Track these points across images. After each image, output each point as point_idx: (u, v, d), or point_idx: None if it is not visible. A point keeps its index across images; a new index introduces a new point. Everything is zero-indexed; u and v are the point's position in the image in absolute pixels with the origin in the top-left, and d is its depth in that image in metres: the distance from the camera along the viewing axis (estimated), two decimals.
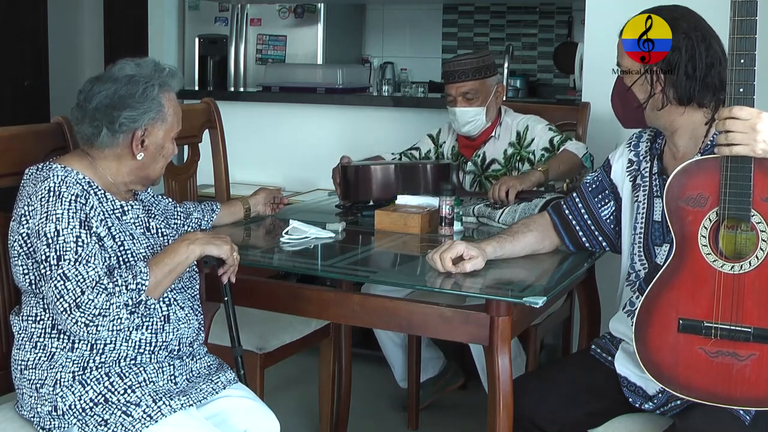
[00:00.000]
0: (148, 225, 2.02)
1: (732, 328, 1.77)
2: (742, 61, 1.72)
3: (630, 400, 2.01)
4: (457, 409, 3.28)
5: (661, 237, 2.01)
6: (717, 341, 1.79)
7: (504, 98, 3.08)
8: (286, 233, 2.40)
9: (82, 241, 1.80)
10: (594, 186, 2.22)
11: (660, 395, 1.96)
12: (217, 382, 1.99)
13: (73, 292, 1.75)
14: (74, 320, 1.75)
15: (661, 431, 1.96)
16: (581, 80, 3.41)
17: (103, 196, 1.92)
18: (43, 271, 1.79)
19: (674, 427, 1.91)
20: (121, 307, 1.78)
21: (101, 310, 1.76)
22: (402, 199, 2.65)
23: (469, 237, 2.53)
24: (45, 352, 1.86)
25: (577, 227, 2.23)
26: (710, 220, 1.80)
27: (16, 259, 1.87)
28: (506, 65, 4.36)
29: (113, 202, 1.94)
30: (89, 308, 1.75)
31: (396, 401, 3.32)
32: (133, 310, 1.81)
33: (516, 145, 2.99)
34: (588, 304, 2.72)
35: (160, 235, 2.04)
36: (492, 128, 3.04)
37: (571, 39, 5.51)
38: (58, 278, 1.76)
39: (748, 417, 1.82)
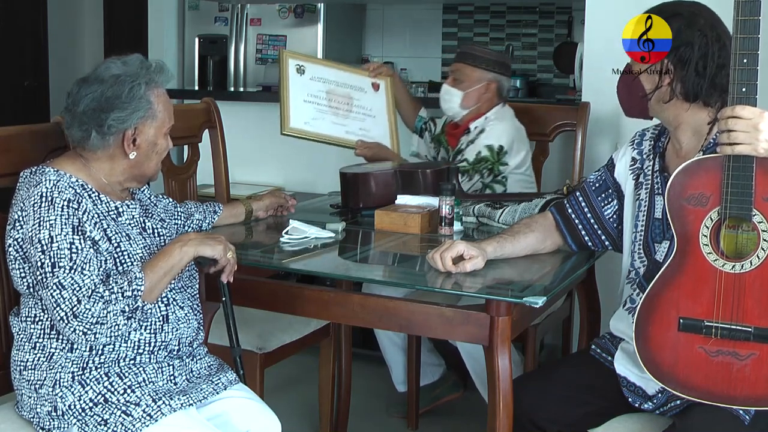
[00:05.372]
0: (144, 225, 2.01)
1: (732, 327, 1.77)
2: (745, 60, 1.71)
3: (630, 400, 2.01)
4: (457, 410, 3.28)
5: (661, 234, 2.01)
6: (717, 340, 1.79)
7: (498, 102, 3.06)
8: (286, 233, 2.40)
9: (76, 247, 1.79)
10: (597, 185, 2.21)
11: (659, 395, 1.96)
12: (218, 383, 1.99)
13: (70, 301, 1.75)
14: (72, 329, 1.75)
15: (660, 431, 1.96)
16: (581, 80, 3.41)
17: (97, 198, 1.91)
18: (39, 277, 1.79)
19: (674, 426, 1.91)
20: (118, 314, 1.78)
21: (98, 319, 1.76)
22: (402, 199, 2.65)
23: (469, 237, 2.53)
24: (44, 352, 1.86)
25: (580, 226, 2.23)
26: (711, 219, 1.79)
27: (13, 262, 1.87)
28: None
29: (108, 204, 1.93)
30: (86, 317, 1.75)
31: (395, 403, 3.31)
32: (129, 315, 1.81)
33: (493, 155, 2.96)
34: (588, 304, 2.73)
35: (156, 235, 2.03)
36: (472, 120, 3.05)
37: (571, 39, 5.51)
38: (54, 287, 1.76)
39: (747, 417, 1.82)
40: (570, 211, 2.24)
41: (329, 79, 3.13)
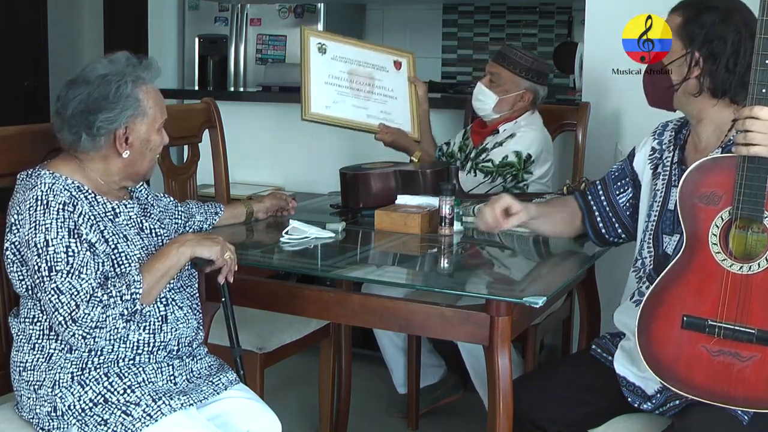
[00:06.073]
0: (141, 226, 2.00)
1: (736, 328, 1.77)
2: (767, 61, 1.70)
3: (629, 399, 2.01)
4: (457, 410, 3.28)
5: (672, 226, 2.00)
6: (720, 340, 1.79)
7: (530, 110, 3.04)
8: (286, 233, 2.40)
9: (72, 251, 1.78)
10: (616, 174, 2.23)
11: (659, 395, 1.96)
12: (218, 383, 1.99)
13: (68, 305, 1.74)
14: (71, 333, 1.75)
15: (659, 431, 1.96)
16: (581, 80, 3.41)
17: (93, 199, 1.90)
18: (37, 281, 1.79)
19: (673, 427, 1.91)
20: (117, 318, 1.78)
21: (98, 323, 1.75)
22: (402, 199, 2.65)
23: (469, 237, 2.53)
24: (43, 353, 1.86)
25: (597, 212, 2.24)
26: (722, 219, 1.79)
27: (11, 266, 1.87)
28: None
29: (105, 205, 1.92)
30: (85, 322, 1.74)
31: (395, 403, 3.31)
32: (128, 318, 1.81)
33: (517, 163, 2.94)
34: (588, 304, 2.72)
35: (154, 235, 2.02)
36: (501, 124, 3.03)
37: (571, 39, 5.51)
38: (52, 292, 1.75)
39: (746, 417, 1.82)
40: (589, 197, 2.26)
41: (351, 59, 3.09)
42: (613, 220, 2.22)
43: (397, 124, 3.10)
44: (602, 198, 2.23)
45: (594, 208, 2.24)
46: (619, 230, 2.23)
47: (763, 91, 1.71)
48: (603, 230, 2.24)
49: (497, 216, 2.11)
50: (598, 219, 2.24)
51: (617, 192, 2.21)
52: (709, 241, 1.80)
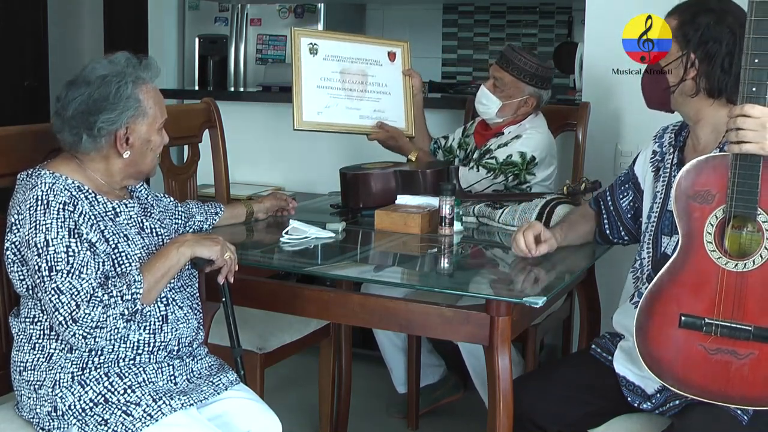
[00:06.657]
0: (142, 225, 2.00)
1: (732, 326, 1.77)
2: (756, 60, 1.71)
3: (629, 399, 2.01)
4: (457, 410, 3.28)
5: (670, 227, 2.01)
6: (717, 338, 1.79)
7: (534, 113, 3.02)
8: (286, 233, 2.40)
9: (73, 250, 1.78)
10: (622, 178, 2.27)
11: (658, 395, 1.96)
12: (218, 383, 1.99)
13: (68, 305, 1.74)
14: (72, 333, 1.75)
15: (659, 431, 1.96)
16: (581, 80, 3.41)
17: (94, 199, 1.90)
18: (37, 281, 1.79)
19: (672, 427, 1.91)
20: (117, 318, 1.78)
21: (98, 323, 1.76)
22: (402, 199, 2.65)
23: (470, 237, 2.53)
24: (43, 353, 1.86)
25: (605, 215, 2.29)
26: (716, 217, 1.80)
27: (11, 266, 1.87)
28: None
29: (105, 205, 1.92)
30: (86, 322, 1.75)
31: (395, 403, 3.31)
32: (129, 318, 1.81)
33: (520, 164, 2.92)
34: (588, 304, 2.73)
35: (155, 235, 2.02)
36: (505, 126, 3.02)
37: (571, 39, 5.52)
38: (53, 292, 1.75)
39: (746, 417, 1.82)
40: (601, 202, 2.31)
41: (343, 56, 3.06)
42: (617, 222, 2.27)
43: (391, 122, 3.09)
44: (609, 200, 2.28)
45: (603, 210, 2.29)
46: (622, 232, 2.27)
47: (753, 89, 1.72)
48: (607, 231, 2.29)
49: (530, 244, 2.17)
50: (605, 220, 2.28)
51: (620, 196, 2.25)
52: (704, 239, 1.81)
